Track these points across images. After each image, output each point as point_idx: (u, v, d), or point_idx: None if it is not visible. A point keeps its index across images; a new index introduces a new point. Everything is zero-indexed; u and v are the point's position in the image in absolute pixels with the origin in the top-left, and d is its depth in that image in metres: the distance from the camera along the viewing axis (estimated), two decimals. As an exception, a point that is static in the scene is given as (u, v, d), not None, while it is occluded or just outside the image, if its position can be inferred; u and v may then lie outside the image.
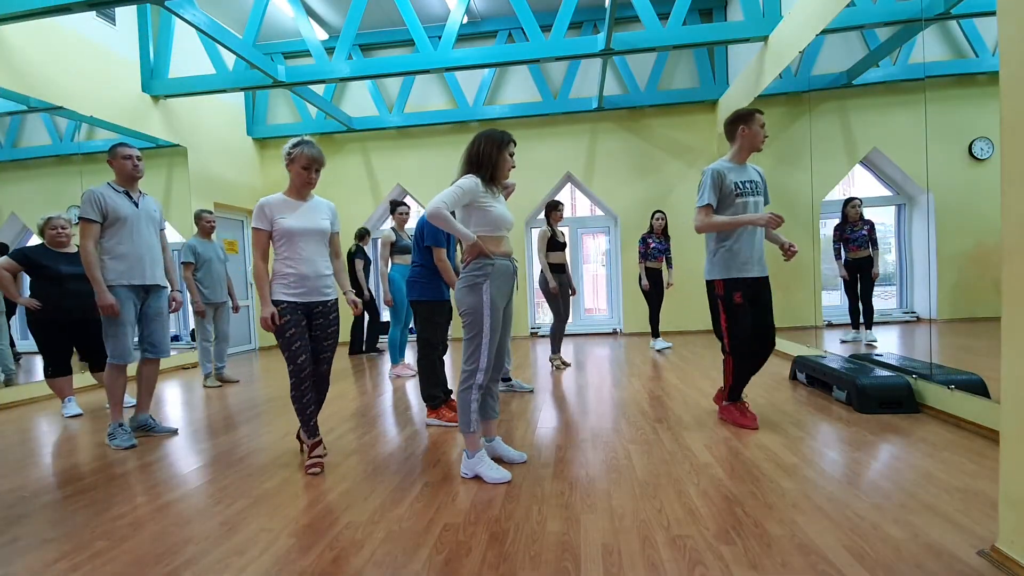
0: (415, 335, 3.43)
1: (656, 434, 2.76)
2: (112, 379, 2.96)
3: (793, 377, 3.91)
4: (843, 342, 4.53)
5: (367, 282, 6.00)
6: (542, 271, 4.54)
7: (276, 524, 1.88)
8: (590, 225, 7.95)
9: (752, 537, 1.65)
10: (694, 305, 7.13)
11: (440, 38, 5.75)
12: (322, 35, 7.42)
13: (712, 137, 7.10)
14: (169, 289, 3.21)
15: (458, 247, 3.80)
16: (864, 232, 4.31)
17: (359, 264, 5.87)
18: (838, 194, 4.57)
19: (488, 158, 2.21)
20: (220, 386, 4.69)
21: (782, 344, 5.10)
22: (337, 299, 2.55)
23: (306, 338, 2.40)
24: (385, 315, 7.11)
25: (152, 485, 2.32)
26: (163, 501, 2.13)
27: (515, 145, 2.30)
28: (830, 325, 4.69)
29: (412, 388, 4.23)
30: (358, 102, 7.79)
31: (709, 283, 2.83)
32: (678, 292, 6.27)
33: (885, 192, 4.34)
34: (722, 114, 6.69)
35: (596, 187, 7.43)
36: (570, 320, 4.89)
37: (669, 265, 5.77)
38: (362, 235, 6.12)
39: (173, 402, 4.12)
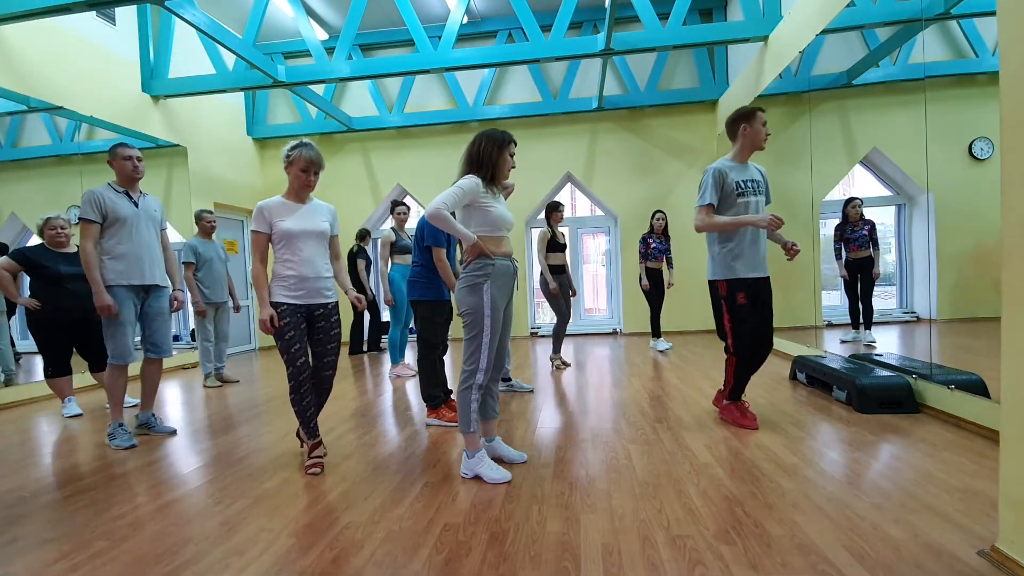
0: (415, 335, 3.43)
1: (656, 434, 2.76)
2: (112, 379, 2.96)
3: (793, 377, 3.92)
4: (843, 342, 4.53)
5: (368, 282, 6.02)
6: (542, 272, 4.55)
7: (276, 524, 1.88)
8: (590, 225, 7.95)
9: (752, 537, 1.65)
10: (694, 305, 7.14)
11: (440, 38, 5.75)
12: (322, 35, 7.42)
13: (712, 137, 7.10)
14: (171, 288, 3.21)
15: (458, 247, 3.80)
16: (865, 232, 4.31)
17: (361, 264, 5.91)
18: (838, 194, 4.56)
19: (488, 158, 2.21)
20: (220, 386, 4.69)
21: (782, 344, 5.10)
22: (338, 302, 2.54)
23: (305, 341, 2.39)
24: (385, 315, 7.12)
25: (152, 485, 2.32)
26: (163, 501, 2.13)
27: (515, 145, 2.29)
28: (830, 325, 4.69)
29: (412, 388, 4.23)
30: (358, 102, 7.79)
31: (712, 283, 2.82)
32: (678, 292, 6.27)
33: (885, 192, 4.34)
34: (722, 114, 6.69)
35: (596, 187, 7.43)
36: (571, 320, 4.89)
37: (670, 265, 5.77)
38: (363, 235, 6.16)
39: (173, 402, 4.12)
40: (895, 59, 3.83)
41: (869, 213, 4.35)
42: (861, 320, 4.37)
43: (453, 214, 2.18)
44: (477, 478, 2.21)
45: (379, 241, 4.80)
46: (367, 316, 6.87)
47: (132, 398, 3.68)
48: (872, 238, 4.29)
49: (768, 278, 2.77)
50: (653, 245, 5.63)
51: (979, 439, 2.47)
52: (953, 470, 2.12)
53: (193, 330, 5.33)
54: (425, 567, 1.56)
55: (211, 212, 4.74)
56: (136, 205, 2.98)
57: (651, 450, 2.51)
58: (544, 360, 5.33)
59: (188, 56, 6.49)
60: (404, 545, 1.69)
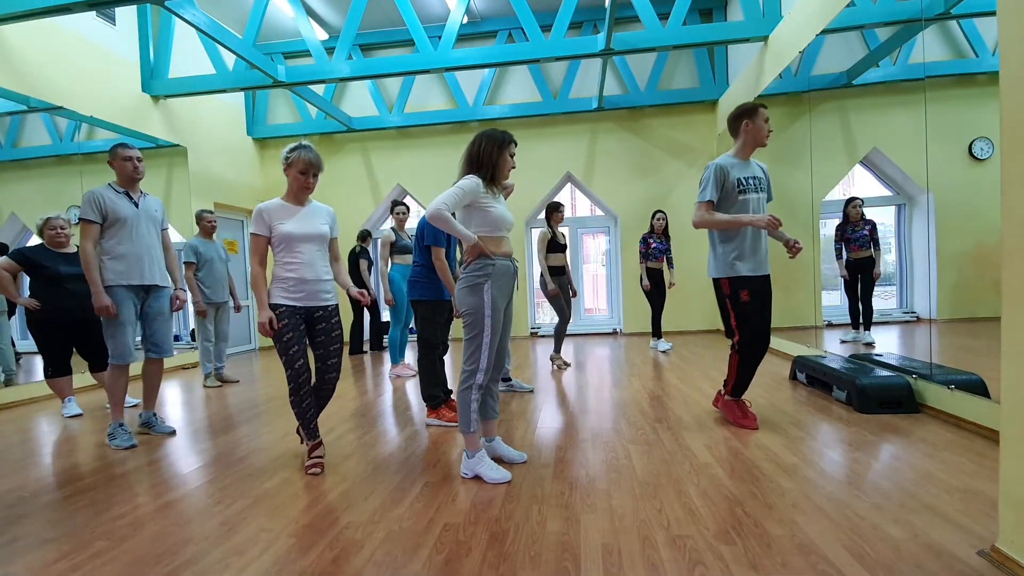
0: (415, 335, 3.43)
1: (656, 434, 2.76)
2: (113, 379, 2.96)
3: (793, 377, 3.92)
4: (843, 342, 4.53)
5: (369, 282, 6.04)
6: (542, 273, 4.55)
7: (276, 524, 1.88)
8: (590, 225, 7.95)
9: (752, 537, 1.65)
10: (694, 305, 7.14)
11: (440, 38, 5.76)
12: (322, 35, 7.42)
13: (712, 137, 7.10)
14: (172, 288, 3.20)
15: (458, 248, 3.80)
16: (865, 232, 4.30)
17: (364, 264, 5.95)
18: (838, 194, 4.56)
19: (488, 158, 2.21)
20: (220, 386, 4.70)
21: (782, 344, 5.10)
22: (338, 304, 2.53)
23: (304, 343, 2.38)
24: (385, 315, 7.12)
25: (152, 485, 2.32)
26: (163, 501, 2.13)
27: (516, 145, 2.29)
28: (830, 325, 4.69)
29: (412, 388, 4.23)
30: (358, 102, 7.79)
31: (715, 281, 2.82)
32: (678, 292, 6.27)
33: (885, 192, 4.33)
34: (722, 114, 6.69)
35: (596, 187, 7.43)
36: (571, 320, 4.89)
37: (670, 265, 5.77)
38: (364, 236, 6.21)
39: (173, 402, 4.12)
40: (895, 59, 3.83)
41: (869, 213, 4.35)
42: (861, 320, 4.37)
43: (453, 214, 2.18)
44: (477, 478, 2.21)
45: (379, 241, 4.80)
46: (367, 316, 6.88)
47: (133, 398, 3.68)
48: (873, 238, 4.29)
49: (768, 276, 2.77)
50: (654, 245, 5.63)
51: (979, 439, 2.47)
52: (953, 470, 2.12)
53: (193, 330, 5.33)
54: (425, 567, 1.56)
55: (212, 212, 4.74)
56: (136, 205, 2.97)
57: (651, 450, 2.51)
58: (544, 360, 5.33)
59: (188, 56, 6.49)
60: (404, 545, 1.69)
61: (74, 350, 3.72)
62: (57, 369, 3.69)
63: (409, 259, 4.67)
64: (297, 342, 2.33)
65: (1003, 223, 1.43)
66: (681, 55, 7.16)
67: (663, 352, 5.64)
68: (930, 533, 1.63)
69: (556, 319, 4.71)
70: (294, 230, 2.35)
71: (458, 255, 3.84)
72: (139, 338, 3.09)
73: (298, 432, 2.64)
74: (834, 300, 4.70)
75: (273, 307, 2.32)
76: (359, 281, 5.84)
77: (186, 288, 3.49)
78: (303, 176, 2.36)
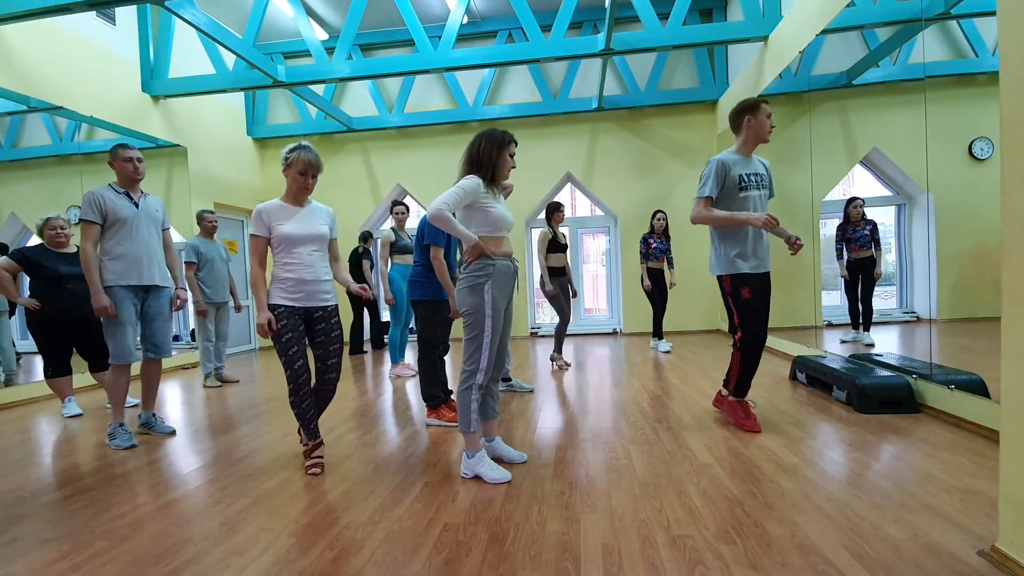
0: (415, 335, 3.43)
1: (656, 434, 2.76)
2: (114, 379, 2.97)
3: (793, 377, 3.91)
4: (843, 342, 4.53)
5: (370, 282, 6.08)
6: (542, 274, 4.55)
7: (276, 524, 1.88)
8: (590, 225, 7.95)
9: (752, 537, 1.65)
10: (694, 305, 7.14)
11: (440, 38, 5.76)
12: (322, 35, 7.42)
13: (712, 137, 7.10)
14: (173, 288, 3.20)
15: (459, 248, 3.80)
16: (866, 232, 4.30)
17: (366, 265, 6.02)
18: (838, 194, 4.56)
19: (488, 158, 2.21)
20: (220, 386, 4.70)
21: (782, 344, 5.10)
22: (337, 305, 2.52)
23: (304, 343, 2.37)
24: (385, 315, 7.13)
25: (152, 485, 2.32)
26: (163, 501, 2.13)
27: (516, 145, 2.29)
28: (830, 325, 4.68)
29: (412, 388, 4.23)
30: (358, 102, 7.79)
31: (718, 278, 2.81)
32: (678, 292, 6.28)
33: (885, 192, 4.33)
34: (722, 114, 6.69)
35: (596, 187, 7.43)
36: (571, 320, 4.89)
37: (670, 265, 5.76)
38: (366, 238, 6.28)
39: (173, 402, 4.12)
40: (895, 59, 3.83)
41: (869, 213, 4.35)
42: (860, 321, 4.37)
43: (453, 214, 2.18)
44: (477, 478, 2.21)
45: (379, 241, 4.81)
46: (367, 317, 6.88)
47: (132, 398, 3.68)
48: (874, 238, 4.29)
49: (769, 273, 2.76)
50: (654, 245, 5.63)
51: (979, 439, 2.47)
52: (953, 470, 2.12)
53: (193, 330, 5.33)
54: (425, 567, 1.56)
55: (213, 212, 4.75)
56: (136, 206, 2.97)
57: (651, 450, 2.51)
58: (544, 360, 5.33)
59: (188, 56, 6.49)
60: (404, 545, 1.69)
61: (74, 350, 3.72)
62: (57, 369, 3.69)
63: (409, 259, 4.67)
64: (296, 343, 2.33)
65: (1003, 223, 1.43)
66: (681, 55, 7.16)
67: (664, 352, 5.64)
68: (930, 533, 1.63)
69: (556, 319, 4.71)
70: (293, 231, 2.34)
71: (458, 256, 3.84)
72: (138, 338, 3.09)
73: (299, 433, 2.63)
74: (834, 300, 4.70)
75: (272, 308, 2.31)
76: (361, 281, 5.86)
77: (187, 288, 3.49)
78: (302, 177, 2.35)
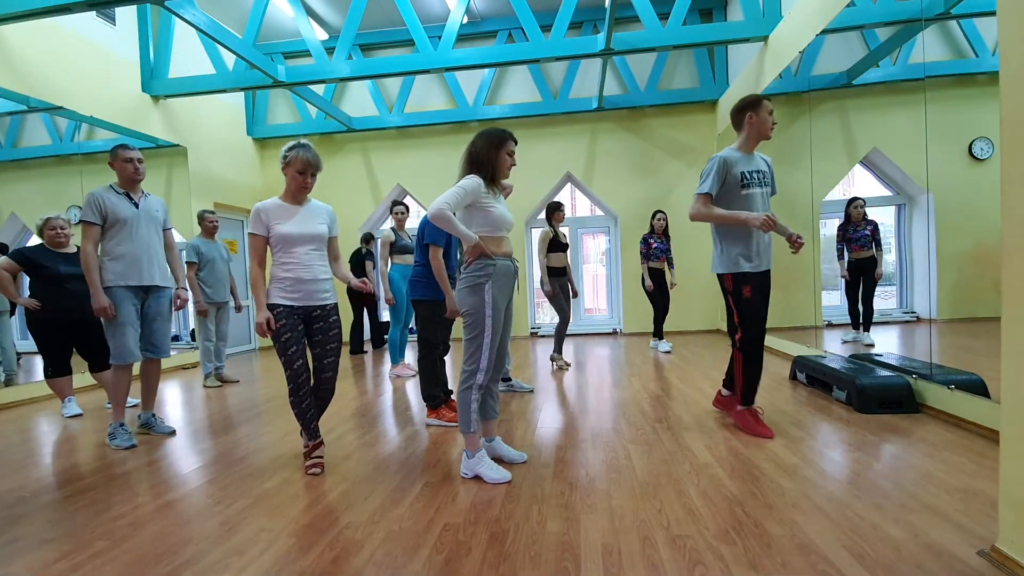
0: (415, 335, 3.43)
1: (656, 434, 2.76)
2: (115, 380, 2.97)
3: (793, 377, 3.92)
4: (843, 342, 4.53)
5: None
6: (542, 274, 4.55)
7: (276, 524, 1.88)
8: (590, 225, 7.95)
9: (752, 537, 1.65)
10: (694, 305, 7.14)
11: (440, 38, 5.76)
12: (322, 35, 7.42)
13: (712, 137, 7.10)
14: (173, 288, 3.20)
15: (459, 248, 3.80)
16: (867, 232, 4.30)
17: (369, 265, 6.06)
18: (838, 194, 4.56)
19: (488, 157, 2.21)
20: (220, 386, 4.70)
21: (782, 344, 5.10)
22: (336, 304, 2.52)
23: (303, 343, 2.37)
24: (385, 314, 7.13)
25: (152, 485, 2.32)
26: (163, 501, 2.13)
27: (515, 143, 2.29)
28: (830, 325, 4.68)
29: (412, 388, 4.23)
30: (358, 102, 7.79)
31: (719, 276, 2.80)
32: (678, 292, 6.27)
33: (885, 192, 4.33)
34: (722, 114, 6.69)
35: (596, 187, 7.43)
36: (571, 320, 4.89)
37: (670, 265, 5.77)
38: (368, 239, 6.29)
39: (173, 402, 4.12)
40: (895, 59, 3.83)
41: (869, 213, 4.35)
42: (861, 321, 4.37)
43: (454, 214, 2.18)
44: (477, 478, 2.21)
45: (379, 241, 4.81)
46: (366, 316, 6.88)
47: (132, 398, 3.68)
48: (875, 238, 4.29)
49: (769, 271, 2.75)
50: (654, 245, 5.63)
51: (979, 439, 2.47)
52: (953, 470, 2.12)
53: (193, 330, 5.33)
54: (425, 567, 1.56)
55: (214, 212, 4.75)
56: (137, 206, 2.97)
57: (651, 450, 2.51)
58: (544, 360, 5.33)
59: (188, 56, 6.49)
60: (404, 545, 1.69)
61: (74, 350, 3.72)
62: (57, 369, 3.69)
63: (409, 259, 4.67)
64: (296, 342, 2.32)
65: (1003, 223, 1.43)
66: (681, 55, 7.16)
67: (664, 352, 5.64)
68: (930, 533, 1.63)
69: (556, 319, 4.71)
70: (292, 230, 2.34)
71: (459, 256, 3.83)
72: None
73: (301, 435, 2.63)
74: (834, 300, 4.70)
75: (271, 307, 2.31)
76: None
77: (187, 288, 3.49)
78: (301, 176, 2.34)
